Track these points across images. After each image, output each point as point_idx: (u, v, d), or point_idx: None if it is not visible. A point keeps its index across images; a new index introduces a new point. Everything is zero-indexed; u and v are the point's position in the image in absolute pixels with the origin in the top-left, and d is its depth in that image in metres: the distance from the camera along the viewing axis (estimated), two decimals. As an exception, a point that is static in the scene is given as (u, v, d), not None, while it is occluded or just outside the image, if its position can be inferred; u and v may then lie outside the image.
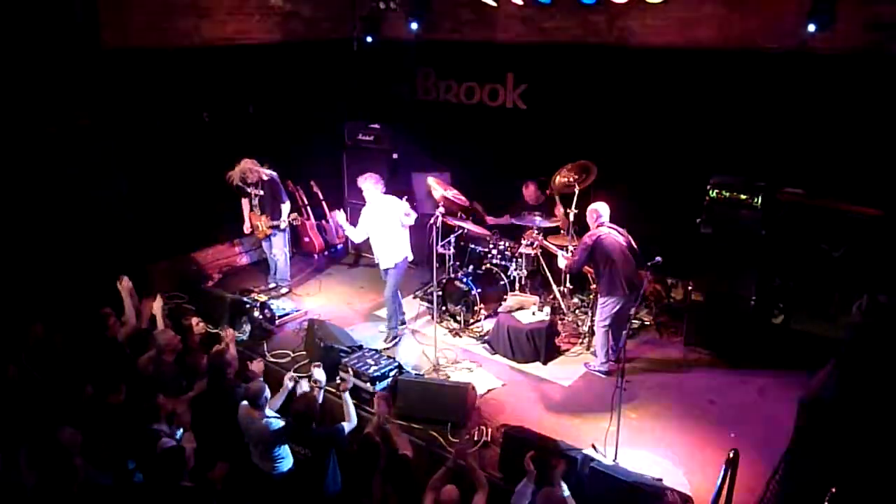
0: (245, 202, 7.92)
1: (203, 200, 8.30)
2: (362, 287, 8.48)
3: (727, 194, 6.40)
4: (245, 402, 5.03)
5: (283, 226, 7.77)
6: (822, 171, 6.54)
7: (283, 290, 8.05)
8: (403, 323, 7.28)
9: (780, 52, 6.59)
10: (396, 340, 7.08)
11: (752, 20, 6.75)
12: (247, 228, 8.01)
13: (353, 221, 6.79)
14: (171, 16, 7.69)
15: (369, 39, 9.39)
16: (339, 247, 9.52)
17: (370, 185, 6.81)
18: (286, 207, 7.78)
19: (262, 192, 7.72)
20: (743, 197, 6.33)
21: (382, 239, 6.88)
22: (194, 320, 6.53)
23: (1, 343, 5.62)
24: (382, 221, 6.82)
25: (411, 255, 7.07)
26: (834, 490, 3.92)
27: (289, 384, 5.48)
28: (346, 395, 5.31)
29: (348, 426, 5.02)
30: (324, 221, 9.12)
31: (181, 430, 4.98)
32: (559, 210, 7.38)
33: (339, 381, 5.55)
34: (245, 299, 7.41)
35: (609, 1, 7.03)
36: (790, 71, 6.62)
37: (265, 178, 7.64)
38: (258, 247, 9.11)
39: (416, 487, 4.52)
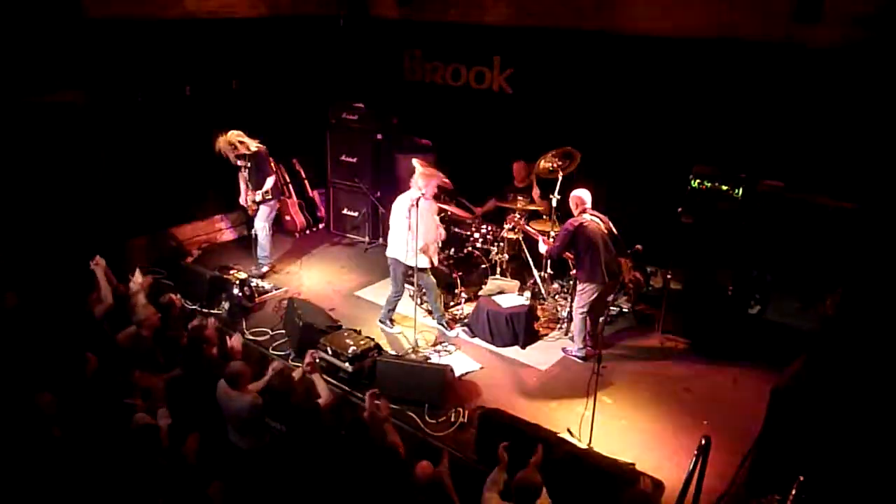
0: (239, 175, 7.82)
1: (183, 176, 8.21)
2: (343, 267, 8.45)
3: (708, 185, 6.44)
4: (223, 381, 5.01)
5: (257, 199, 7.68)
6: (802, 164, 6.60)
7: (264, 269, 8.00)
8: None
9: (765, 44, 6.62)
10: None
11: (739, 10, 6.76)
12: (241, 201, 7.93)
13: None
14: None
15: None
16: (321, 225, 9.49)
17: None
18: (268, 182, 7.69)
19: (248, 165, 7.64)
20: (724, 188, 6.38)
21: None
22: (173, 296, 6.48)
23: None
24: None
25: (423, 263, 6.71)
26: (802, 478, 4.00)
27: (272, 370, 5.43)
28: (315, 375, 5.31)
29: (322, 402, 5.03)
30: (316, 196, 9.06)
31: (160, 409, 4.96)
32: (536, 192, 7.42)
33: (306, 363, 5.49)
34: (224, 276, 7.36)
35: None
36: (775, 63, 6.65)
37: (251, 150, 7.54)
38: (243, 222, 9.06)
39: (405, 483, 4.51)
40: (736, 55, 6.84)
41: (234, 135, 7.42)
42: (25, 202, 6.80)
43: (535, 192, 7.54)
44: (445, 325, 6.97)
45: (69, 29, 6.84)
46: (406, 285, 7.07)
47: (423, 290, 6.92)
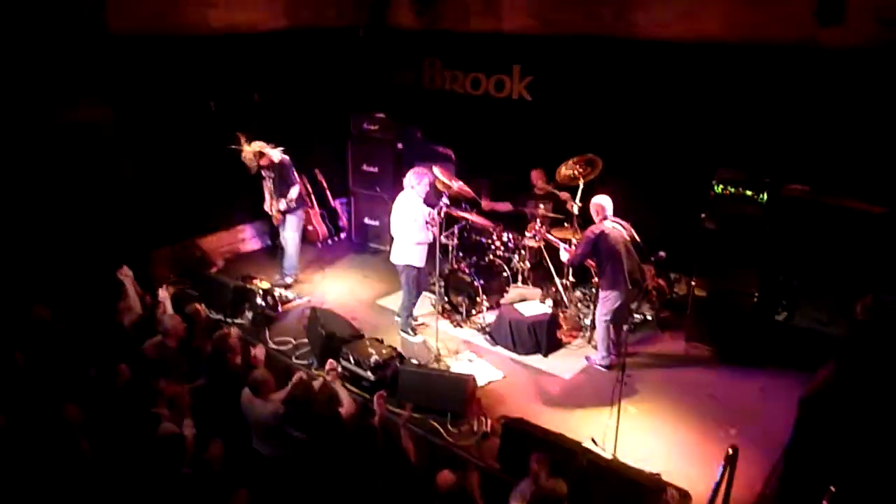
0: (265, 185, 7.90)
1: (207, 187, 8.30)
2: (365, 276, 8.48)
3: (732, 190, 6.36)
4: (247, 389, 5.06)
5: (282, 207, 7.76)
6: (827, 167, 6.51)
7: (289, 280, 8.05)
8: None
9: (788, 46, 6.55)
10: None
11: (761, 13, 6.69)
12: (266, 207, 7.99)
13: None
14: (177, 3, 7.69)
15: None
16: (343, 235, 9.54)
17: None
18: (293, 191, 7.74)
19: (273, 174, 7.72)
20: (748, 193, 6.30)
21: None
22: (198, 306, 6.55)
23: (5, 326, 5.66)
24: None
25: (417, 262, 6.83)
26: (833, 489, 3.92)
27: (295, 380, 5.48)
28: (336, 384, 5.35)
29: (343, 412, 5.05)
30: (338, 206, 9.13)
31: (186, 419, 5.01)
32: (566, 196, 7.36)
33: (327, 371, 5.54)
34: (248, 286, 7.43)
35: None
36: (798, 66, 6.57)
37: (275, 161, 7.62)
38: (266, 232, 9.15)
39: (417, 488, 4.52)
40: (758, 58, 6.77)
41: (258, 145, 7.50)
42: (54, 214, 6.92)
43: (565, 196, 7.39)
44: (410, 330, 6.97)
45: (94, 45, 6.97)
46: (426, 293, 7.08)
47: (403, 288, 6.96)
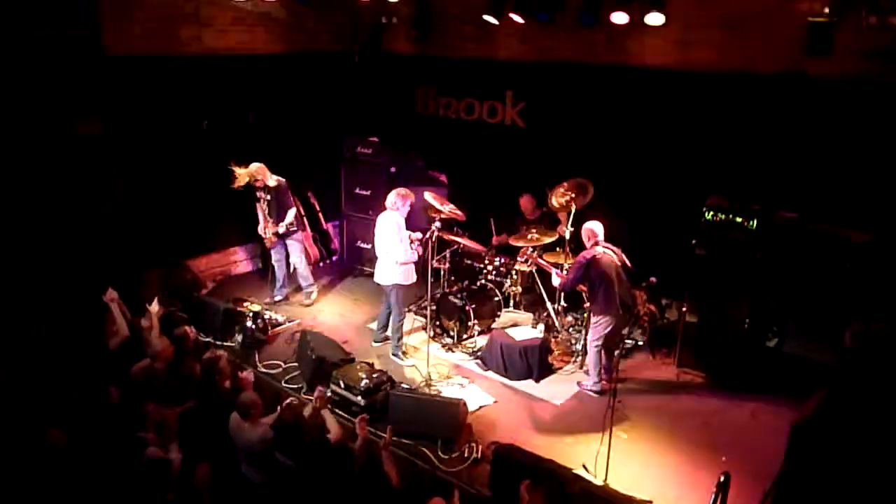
0: (258, 208, 7.93)
1: (199, 208, 8.29)
2: (356, 299, 8.45)
3: (722, 217, 6.42)
4: (235, 413, 5.00)
5: (280, 231, 7.78)
6: (816, 195, 6.58)
7: (313, 296, 8.21)
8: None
9: (777, 76, 6.65)
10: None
11: (751, 44, 6.81)
12: (260, 230, 8.01)
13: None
14: (173, 24, 7.74)
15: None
16: (335, 258, 9.52)
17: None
18: (290, 214, 7.80)
19: (268, 198, 7.76)
20: (738, 220, 6.34)
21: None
22: (187, 328, 6.49)
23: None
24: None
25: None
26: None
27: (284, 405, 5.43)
28: (325, 410, 5.32)
29: (332, 438, 5.02)
30: (331, 229, 9.18)
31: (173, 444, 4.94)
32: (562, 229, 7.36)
33: (315, 397, 5.47)
34: (238, 308, 7.39)
35: (608, 21, 7.08)
36: (788, 95, 6.67)
37: (272, 184, 7.67)
38: (258, 255, 9.13)
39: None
40: (747, 88, 6.87)
41: (255, 168, 7.55)
42: (42, 233, 6.88)
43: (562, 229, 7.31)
44: (401, 355, 6.97)
45: (92, 67, 7.00)
46: (416, 316, 7.04)
47: (389, 309, 6.98)
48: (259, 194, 7.74)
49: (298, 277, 8.17)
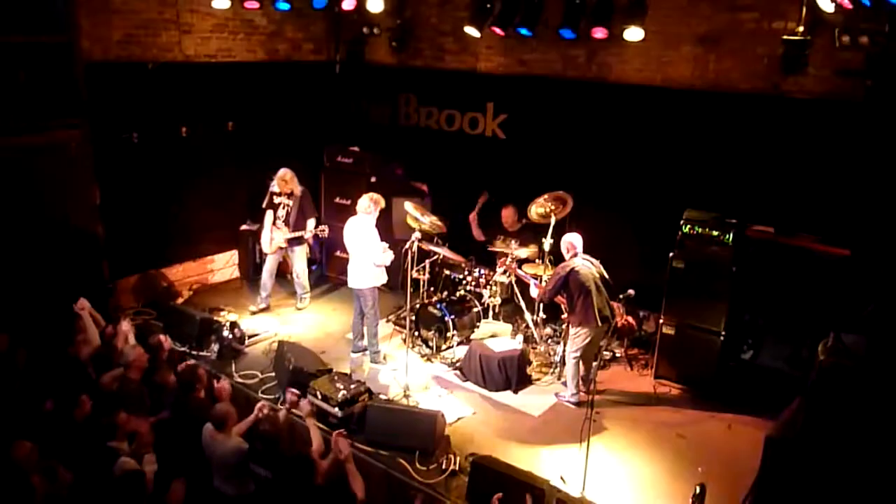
0: (269, 214, 7.90)
1: (176, 216, 8.21)
2: (335, 309, 8.40)
3: (699, 230, 6.50)
4: (209, 424, 4.93)
5: (306, 235, 7.84)
6: (790, 210, 6.69)
7: (306, 303, 8.25)
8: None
9: (753, 94, 6.77)
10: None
11: (727, 62, 6.93)
12: (264, 240, 7.98)
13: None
14: (153, 31, 7.69)
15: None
16: (314, 267, 9.46)
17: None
18: (311, 222, 7.86)
19: (290, 204, 7.78)
20: (714, 233, 6.43)
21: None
22: (162, 337, 6.40)
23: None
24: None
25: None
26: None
27: (259, 413, 5.34)
28: (310, 420, 5.24)
29: (313, 449, 4.94)
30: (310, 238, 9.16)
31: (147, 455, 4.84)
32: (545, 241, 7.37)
33: (300, 406, 5.43)
34: (214, 318, 7.31)
35: (589, 36, 7.16)
36: (763, 112, 6.79)
37: (298, 192, 7.76)
38: (234, 264, 9.06)
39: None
40: (724, 104, 6.97)
41: (285, 173, 7.69)
42: (17, 240, 6.76)
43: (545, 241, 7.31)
44: (381, 360, 7.02)
45: (68, 72, 6.92)
46: (395, 326, 7.01)
47: (361, 315, 6.99)
48: (280, 200, 7.79)
49: (296, 285, 8.20)
